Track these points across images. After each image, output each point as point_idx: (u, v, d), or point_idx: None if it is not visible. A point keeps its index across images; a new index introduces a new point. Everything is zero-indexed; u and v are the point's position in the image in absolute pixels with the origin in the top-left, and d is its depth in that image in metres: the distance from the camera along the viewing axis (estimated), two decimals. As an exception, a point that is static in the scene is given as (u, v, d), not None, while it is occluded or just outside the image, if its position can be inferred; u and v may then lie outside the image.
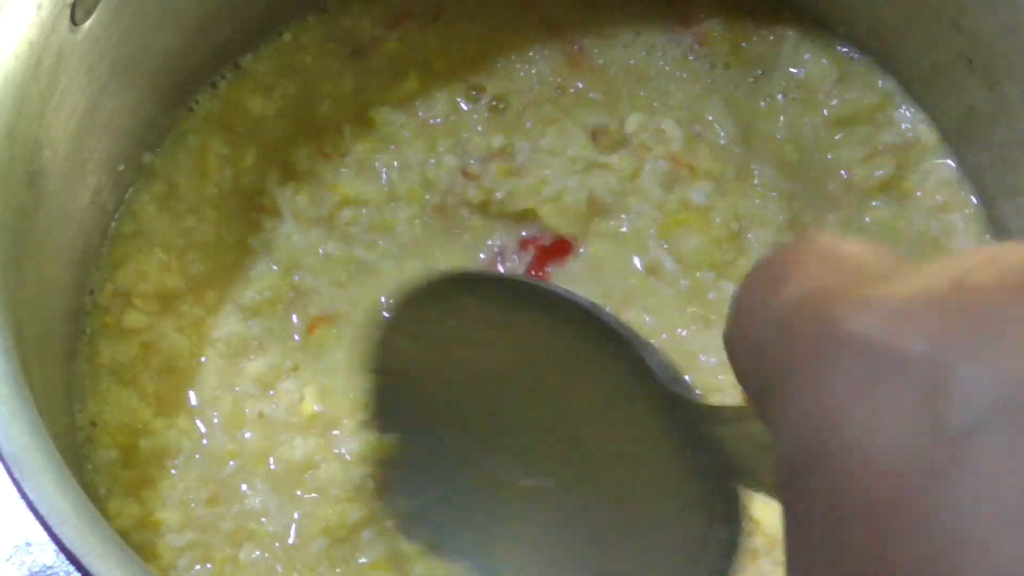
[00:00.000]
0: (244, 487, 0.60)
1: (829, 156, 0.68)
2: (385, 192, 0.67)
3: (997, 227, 0.67)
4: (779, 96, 0.69)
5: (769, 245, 0.65)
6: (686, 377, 0.46)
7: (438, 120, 0.68)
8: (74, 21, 0.55)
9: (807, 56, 0.69)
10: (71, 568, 0.45)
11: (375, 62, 0.70)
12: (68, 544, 0.44)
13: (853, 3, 0.69)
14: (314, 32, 0.71)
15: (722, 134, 0.68)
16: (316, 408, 0.62)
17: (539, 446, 0.54)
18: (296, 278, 0.65)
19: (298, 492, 0.60)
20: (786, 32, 0.70)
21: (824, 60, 0.69)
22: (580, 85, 0.70)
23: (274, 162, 0.68)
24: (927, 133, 0.68)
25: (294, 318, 0.64)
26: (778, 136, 0.68)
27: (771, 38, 0.70)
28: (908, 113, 0.69)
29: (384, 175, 0.67)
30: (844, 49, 0.70)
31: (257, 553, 0.59)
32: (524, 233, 0.67)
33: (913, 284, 0.27)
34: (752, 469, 0.40)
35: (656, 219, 0.66)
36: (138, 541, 0.59)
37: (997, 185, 0.66)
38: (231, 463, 0.61)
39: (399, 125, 0.68)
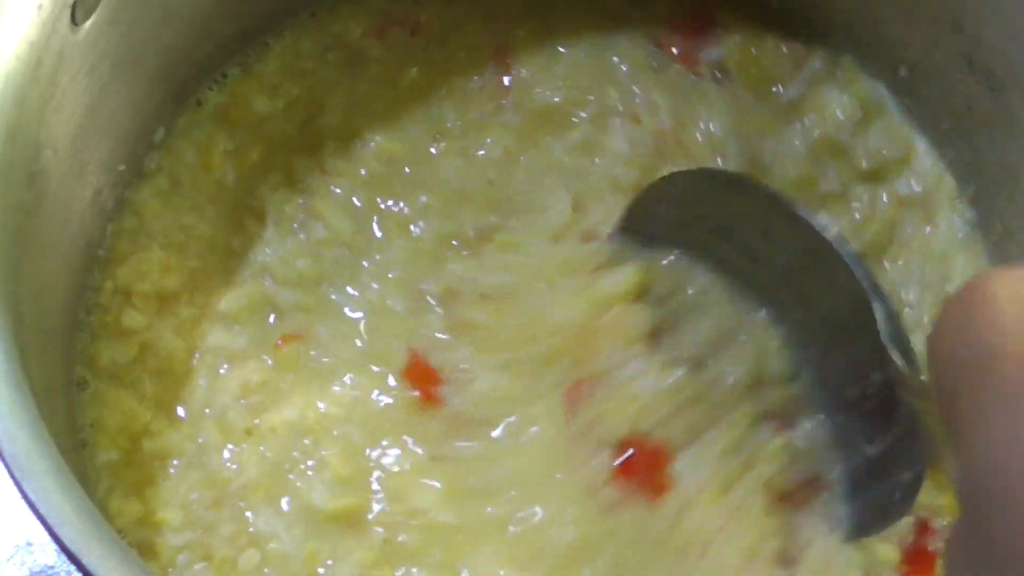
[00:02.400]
0: (241, 493, 0.61)
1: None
2: (358, 233, 0.66)
3: (997, 233, 0.67)
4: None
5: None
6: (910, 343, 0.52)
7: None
8: (75, 21, 0.55)
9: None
10: (72, 568, 0.45)
11: (370, 74, 0.70)
12: (69, 544, 0.44)
13: (854, 3, 0.69)
14: (310, 37, 0.71)
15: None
16: (291, 420, 0.62)
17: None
18: (270, 289, 0.65)
19: (286, 499, 0.61)
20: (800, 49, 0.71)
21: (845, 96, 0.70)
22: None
23: (276, 164, 0.68)
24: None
25: (270, 331, 0.64)
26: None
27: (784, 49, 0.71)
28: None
29: (365, 217, 0.67)
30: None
31: (257, 557, 0.59)
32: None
33: None
34: (942, 452, 0.45)
35: None
36: (137, 539, 0.59)
37: (997, 189, 0.66)
38: (228, 471, 0.61)
39: (385, 166, 0.68)
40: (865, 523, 0.57)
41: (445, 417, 0.62)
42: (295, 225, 0.67)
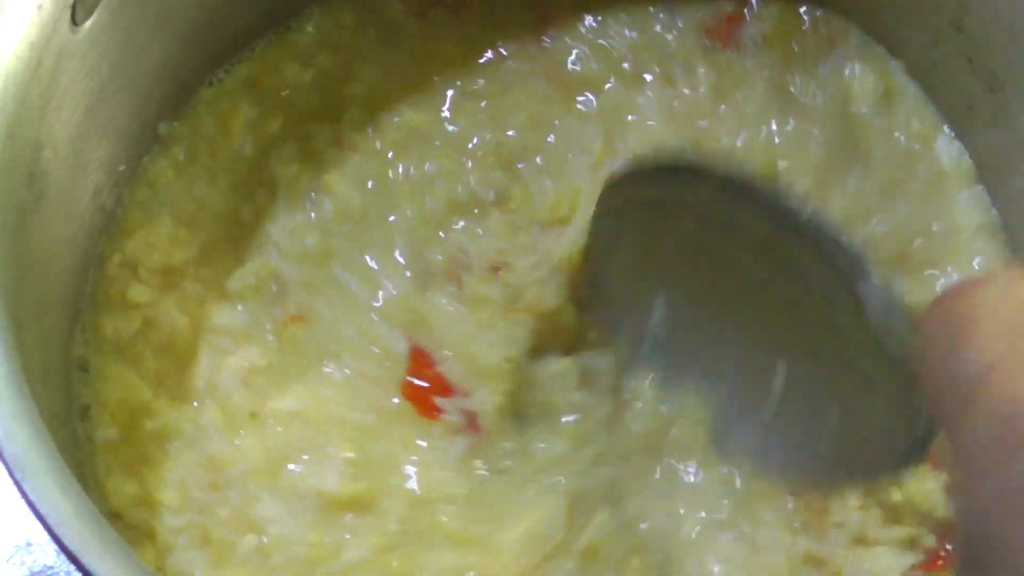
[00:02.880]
0: (242, 477, 0.60)
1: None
2: (368, 207, 0.66)
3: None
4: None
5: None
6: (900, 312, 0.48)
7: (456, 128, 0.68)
8: (75, 21, 0.55)
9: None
10: (71, 568, 0.45)
11: (404, 49, 0.70)
12: (68, 544, 0.44)
13: (853, 4, 0.69)
14: (351, 10, 0.70)
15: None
16: (294, 406, 0.62)
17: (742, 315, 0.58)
18: (277, 264, 0.64)
19: (288, 484, 0.60)
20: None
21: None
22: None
23: (294, 135, 0.67)
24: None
25: (276, 310, 0.64)
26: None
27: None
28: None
29: (376, 190, 0.66)
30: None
31: (256, 542, 0.59)
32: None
33: None
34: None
35: None
36: (135, 520, 0.59)
37: (997, 189, 0.66)
38: (230, 454, 0.61)
39: (404, 136, 0.68)
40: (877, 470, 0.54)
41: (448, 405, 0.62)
42: (305, 200, 0.66)
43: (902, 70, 0.69)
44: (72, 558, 0.44)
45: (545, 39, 0.70)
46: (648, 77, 0.68)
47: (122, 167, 0.65)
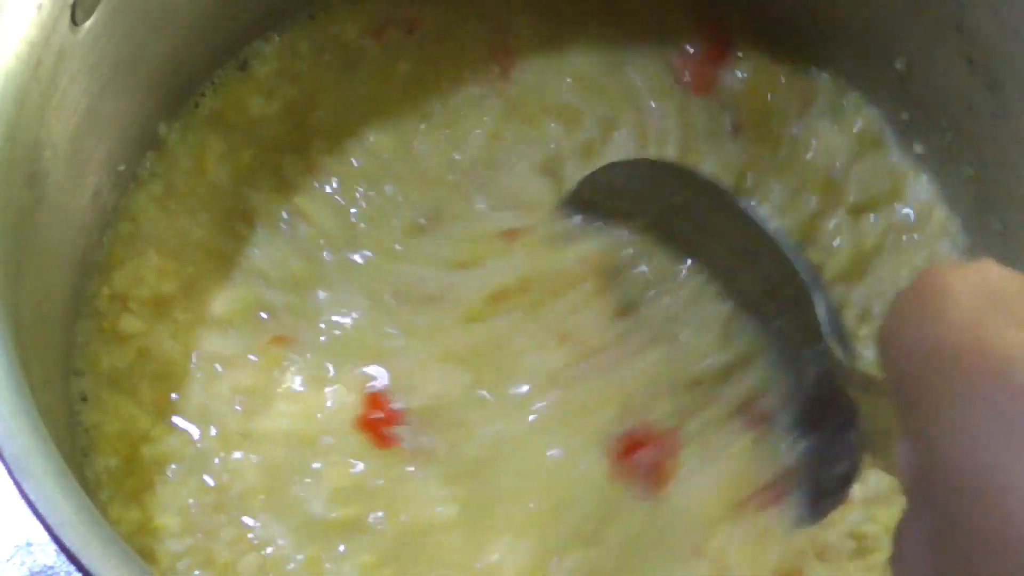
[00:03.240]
0: (240, 499, 0.60)
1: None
2: (345, 227, 0.67)
3: (997, 233, 0.67)
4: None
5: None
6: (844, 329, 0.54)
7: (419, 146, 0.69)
8: (75, 21, 0.54)
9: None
10: (72, 568, 0.45)
11: (363, 73, 0.70)
12: (68, 544, 0.44)
13: (853, 4, 0.69)
14: (307, 38, 0.71)
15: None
16: (281, 425, 0.62)
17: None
18: (262, 291, 0.65)
19: (285, 504, 0.60)
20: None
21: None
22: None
23: (266, 165, 0.68)
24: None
25: (261, 333, 0.65)
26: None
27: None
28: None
29: (352, 210, 0.67)
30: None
31: (257, 562, 0.59)
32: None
33: None
34: (878, 443, 0.45)
35: None
36: (137, 546, 0.59)
37: (997, 189, 0.66)
38: (226, 476, 0.61)
39: (369, 160, 0.68)
40: (805, 513, 0.58)
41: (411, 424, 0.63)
42: (282, 226, 0.67)
43: (878, 117, 0.70)
44: (72, 558, 0.44)
45: (503, 64, 0.71)
46: (618, 119, 0.69)
47: (122, 167, 0.65)
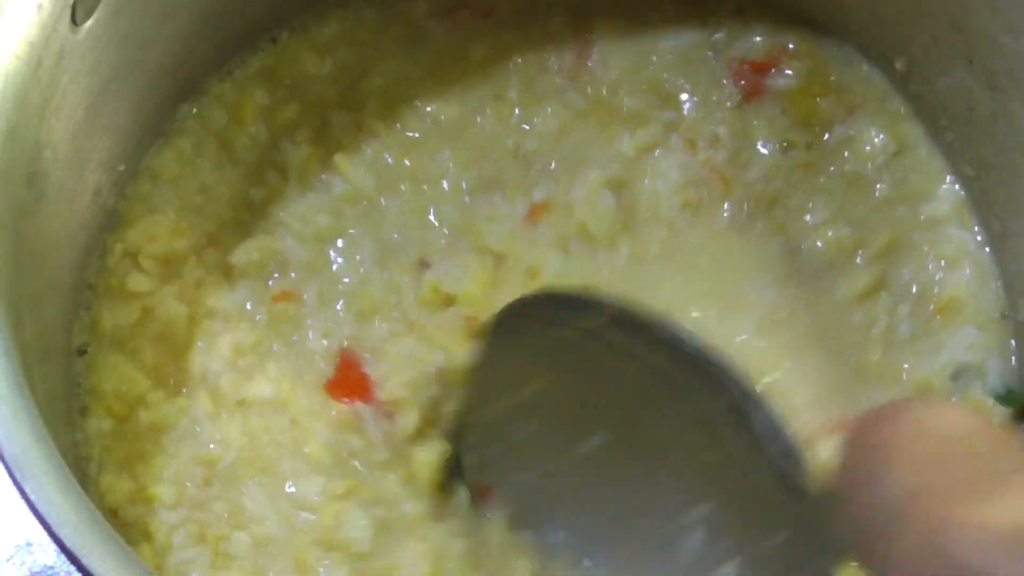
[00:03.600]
0: (230, 471, 0.61)
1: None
2: (378, 191, 0.67)
3: (997, 233, 0.67)
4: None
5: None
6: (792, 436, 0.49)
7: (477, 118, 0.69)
8: (75, 21, 0.55)
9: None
10: (72, 568, 0.45)
11: (427, 50, 0.70)
12: (68, 544, 0.44)
13: (853, 3, 0.69)
14: (374, 9, 0.71)
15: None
16: (271, 393, 0.62)
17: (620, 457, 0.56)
18: (284, 244, 0.65)
19: (273, 479, 0.61)
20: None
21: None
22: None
23: (312, 122, 0.68)
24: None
25: (269, 287, 0.65)
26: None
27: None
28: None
29: (389, 174, 0.67)
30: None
31: (248, 539, 0.59)
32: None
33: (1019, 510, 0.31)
34: (846, 550, 0.42)
35: None
36: (131, 517, 0.59)
37: (997, 189, 0.66)
38: (217, 445, 0.61)
39: (429, 127, 0.68)
40: None
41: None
42: (317, 183, 0.67)
43: (918, 130, 0.69)
44: (72, 558, 0.44)
45: (589, 59, 0.71)
46: (673, 137, 0.69)
47: (122, 167, 0.65)
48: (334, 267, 0.65)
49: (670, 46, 0.70)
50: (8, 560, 0.61)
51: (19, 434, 0.46)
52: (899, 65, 0.69)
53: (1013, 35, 0.60)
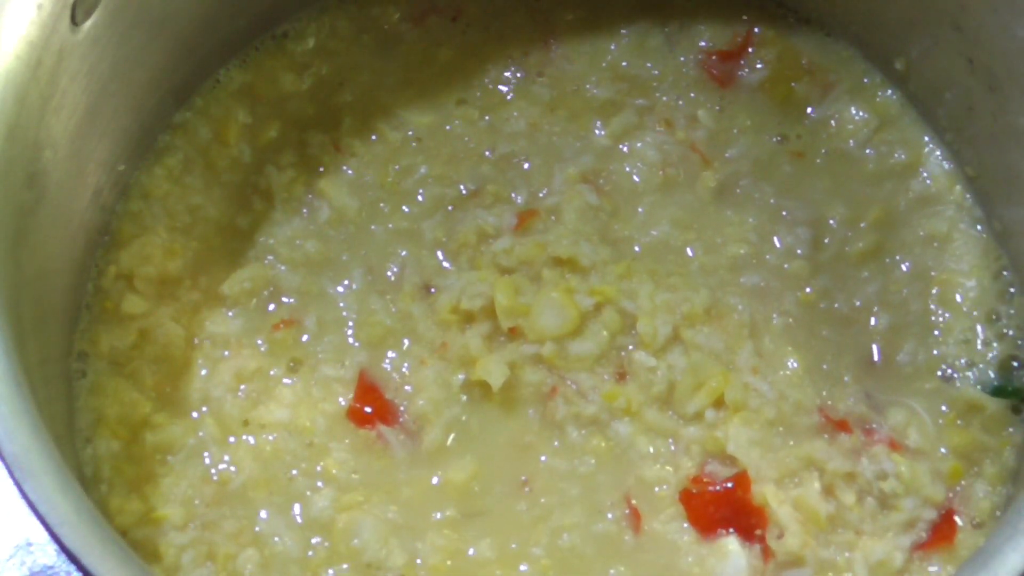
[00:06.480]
0: (241, 491, 0.61)
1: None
2: (363, 213, 0.67)
3: (997, 233, 0.67)
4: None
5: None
6: None
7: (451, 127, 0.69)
8: (74, 21, 0.55)
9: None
10: (71, 568, 0.45)
11: (400, 56, 0.71)
12: (68, 544, 0.44)
13: (853, 4, 0.69)
14: (347, 18, 0.71)
15: None
16: (281, 416, 0.62)
17: None
18: (274, 270, 0.65)
19: (284, 498, 0.61)
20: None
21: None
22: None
23: (290, 142, 0.68)
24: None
25: (267, 315, 0.65)
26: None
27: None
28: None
29: (371, 194, 0.67)
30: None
31: (258, 555, 0.59)
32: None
33: None
34: None
35: None
36: (140, 538, 0.58)
37: (997, 189, 0.66)
38: (227, 466, 0.61)
39: (404, 139, 0.69)
40: None
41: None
42: (303, 209, 0.67)
43: (899, 96, 0.70)
44: (72, 558, 0.44)
45: (551, 51, 0.71)
46: (650, 118, 0.70)
47: (122, 167, 0.65)
48: (330, 293, 0.65)
49: (627, 39, 0.71)
50: (8, 560, 0.61)
51: (19, 434, 0.46)
52: (899, 65, 0.69)
53: (1012, 35, 0.60)
